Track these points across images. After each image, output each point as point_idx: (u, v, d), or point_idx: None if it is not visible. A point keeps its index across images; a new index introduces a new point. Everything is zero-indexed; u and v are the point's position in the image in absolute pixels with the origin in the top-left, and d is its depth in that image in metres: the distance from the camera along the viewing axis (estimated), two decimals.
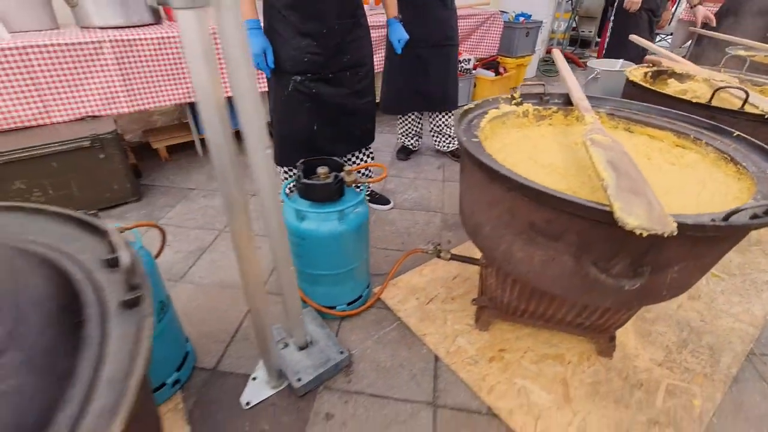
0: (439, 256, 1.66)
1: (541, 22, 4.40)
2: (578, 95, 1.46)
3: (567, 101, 1.58)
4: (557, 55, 1.90)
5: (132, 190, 2.30)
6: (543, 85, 1.59)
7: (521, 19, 4.14)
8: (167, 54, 2.36)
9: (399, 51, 2.04)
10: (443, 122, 2.79)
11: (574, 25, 6.57)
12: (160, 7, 2.58)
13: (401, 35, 2.00)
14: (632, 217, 0.79)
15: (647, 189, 0.90)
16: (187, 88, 2.49)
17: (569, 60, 6.06)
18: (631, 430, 1.23)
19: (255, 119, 0.85)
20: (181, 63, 2.42)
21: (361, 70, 1.87)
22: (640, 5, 3.15)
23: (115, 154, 2.15)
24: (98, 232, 0.69)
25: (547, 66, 5.70)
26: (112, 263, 0.64)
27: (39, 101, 2.09)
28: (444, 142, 2.89)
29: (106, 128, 2.12)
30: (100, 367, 0.49)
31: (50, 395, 0.45)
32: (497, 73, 3.97)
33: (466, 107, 1.41)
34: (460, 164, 1.39)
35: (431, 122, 2.84)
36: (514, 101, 1.54)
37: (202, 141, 2.88)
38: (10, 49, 1.97)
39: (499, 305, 1.45)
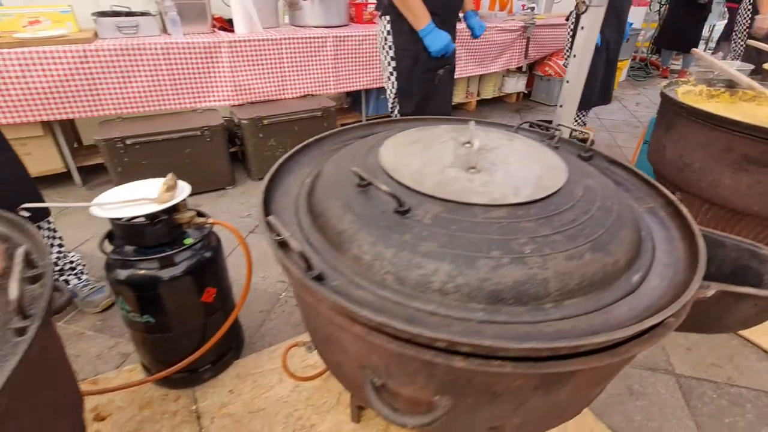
0: None
1: (641, 30, 4.79)
2: (747, 81, 1.90)
3: (729, 85, 2.03)
4: (701, 53, 2.34)
5: None
6: (713, 72, 2.04)
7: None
8: (362, 48, 2.96)
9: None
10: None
11: (656, 35, 6.87)
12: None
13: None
14: None
15: None
16: (371, 76, 3.08)
17: (653, 65, 6.38)
18: None
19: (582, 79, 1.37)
20: (370, 56, 3.01)
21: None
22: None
23: (333, 124, 2.75)
24: None
25: (634, 72, 6.04)
26: None
27: (280, 80, 2.74)
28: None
29: (328, 103, 2.73)
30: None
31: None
32: None
33: (663, 84, 1.90)
34: (664, 122, 1.86)
35: None
36: (690, 83, 2.01)
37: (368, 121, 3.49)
38: (264, 40, 2.61)
39: None
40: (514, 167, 0.84)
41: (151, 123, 2.34)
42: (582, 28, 1.25)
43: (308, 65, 2.80)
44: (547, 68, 4.21)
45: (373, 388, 0.66)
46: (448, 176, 0.79)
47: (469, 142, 0.93)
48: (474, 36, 2.24)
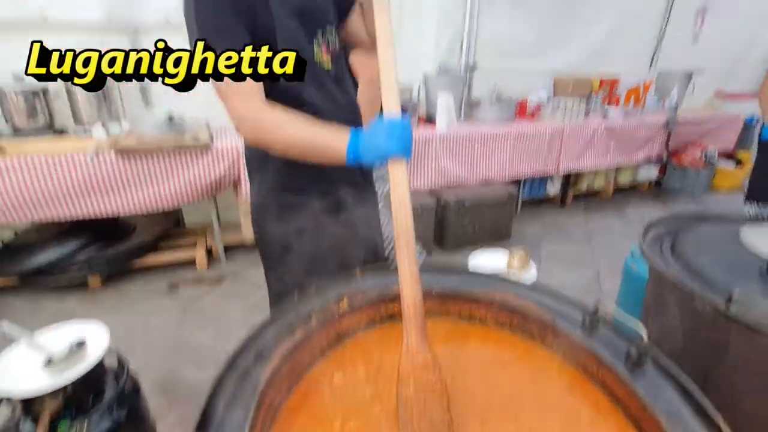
0: None
1: None
2: None
3: None
4: None
5: (507, 232, 3.20)
6: None
7: (755, 120, 4.71)
8: (532, 141, 3.33)
9: None
10: None
11: None
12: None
13: None
14: None
15: None
16: (537, 166, 3.43)
17: None
18: None
19: None
20: (536, 147, 3.38)
21: None
22: None
23: (513, 208, 3.08)
24: None
25: None
26: None
27: (470, 168, 3.14)
28: None
29: (513, 190, 3.09)
30: None
31: None
32: (738, 163, 4.52)
33: None
34: None
35: None
36: None
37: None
38: (464, 134, 3.05)
39: None
40: None
41: None
42: None
43: (491, 155, 3.20)
44: (683, 158, 4.40)
45: None
46: None
47: None
48: None
